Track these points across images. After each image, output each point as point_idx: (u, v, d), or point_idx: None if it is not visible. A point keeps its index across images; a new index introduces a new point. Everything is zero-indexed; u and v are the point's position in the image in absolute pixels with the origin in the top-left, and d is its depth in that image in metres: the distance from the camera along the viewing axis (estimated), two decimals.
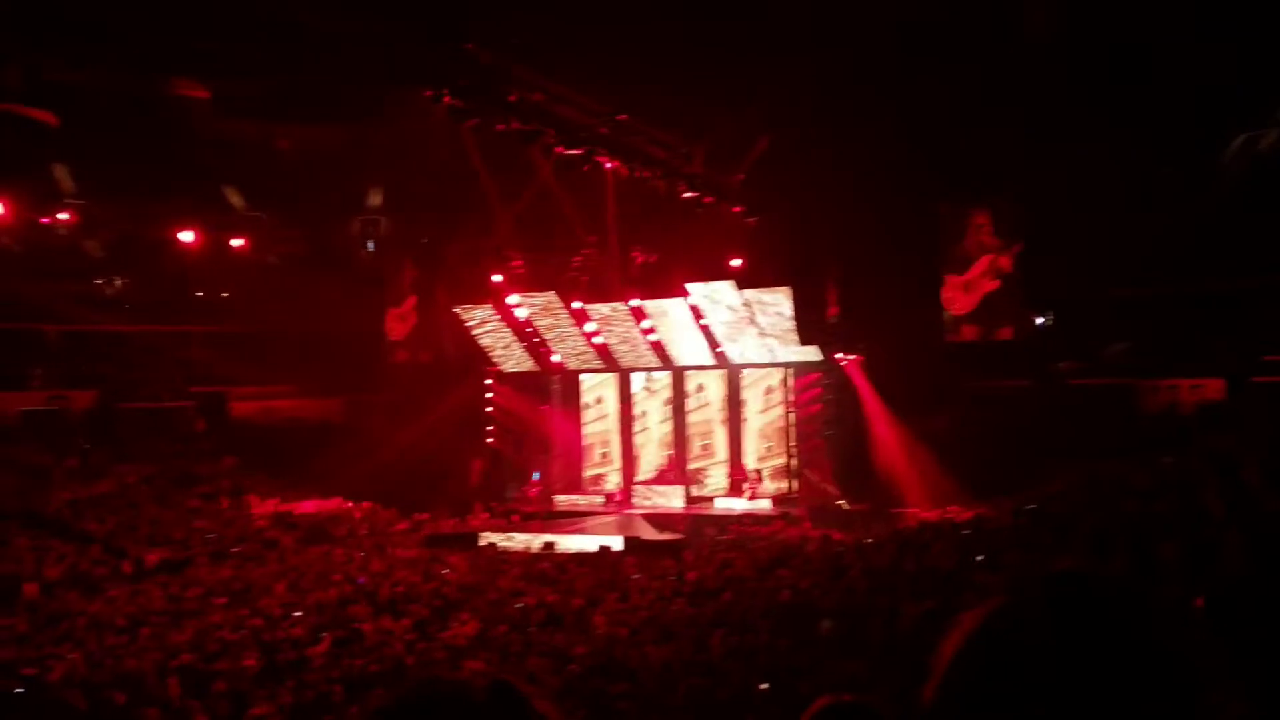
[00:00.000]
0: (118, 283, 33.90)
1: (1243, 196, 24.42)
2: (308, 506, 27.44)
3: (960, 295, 27.14)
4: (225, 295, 35.67)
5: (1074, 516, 15.19)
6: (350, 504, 27.99)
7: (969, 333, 27.15)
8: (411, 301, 33.03)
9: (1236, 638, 1.12)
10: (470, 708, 1.22)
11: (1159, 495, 15.01)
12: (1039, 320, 28.21)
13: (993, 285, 26.80)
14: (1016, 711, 1.00)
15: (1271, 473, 12.74)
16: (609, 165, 19.21)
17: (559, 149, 20.83)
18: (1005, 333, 26.89)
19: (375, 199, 35.24)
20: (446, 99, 18.26)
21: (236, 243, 30.24)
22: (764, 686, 10.68)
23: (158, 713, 11.07)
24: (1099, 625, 1.02)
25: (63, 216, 26.39)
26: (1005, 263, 26.62)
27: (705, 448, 30.56)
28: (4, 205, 27.45)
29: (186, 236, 31.16)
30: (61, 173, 30.51)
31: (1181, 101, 23.35)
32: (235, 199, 33.54)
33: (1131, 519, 13.45)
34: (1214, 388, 23.98)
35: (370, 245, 35.60)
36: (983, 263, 26.88)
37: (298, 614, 17.02)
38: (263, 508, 26.83)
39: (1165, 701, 1.01)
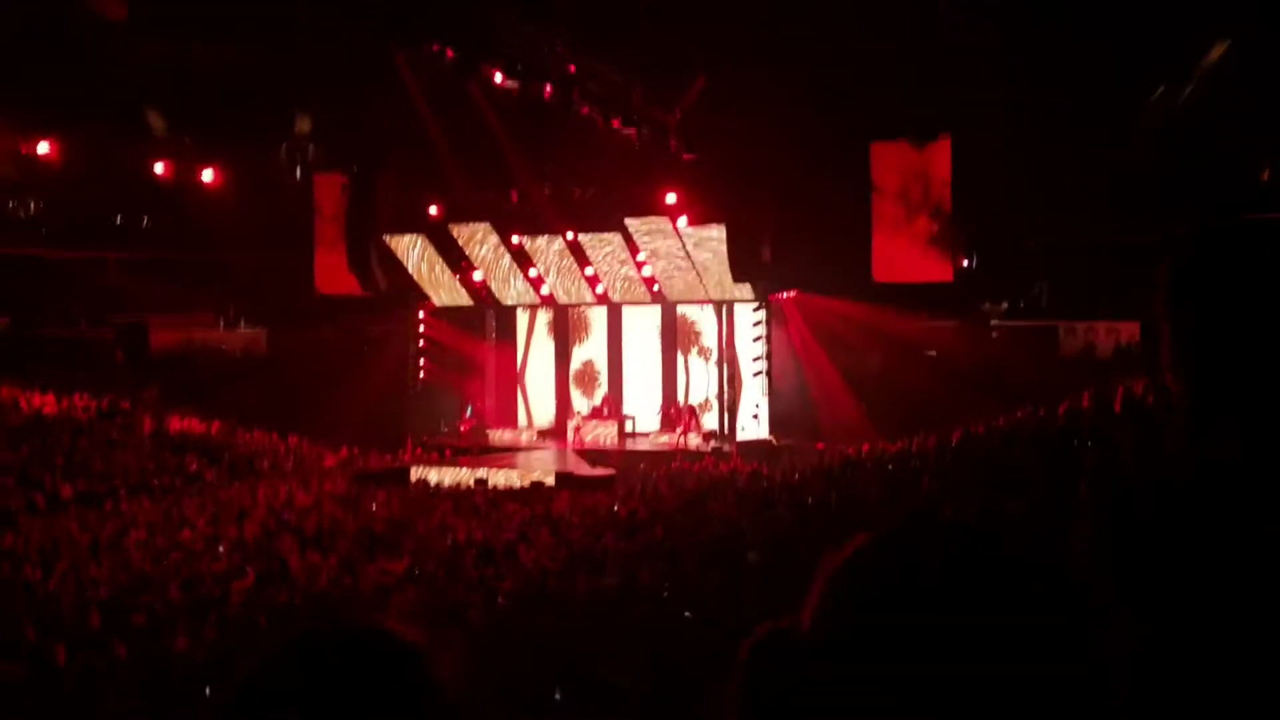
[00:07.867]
0: (32, 205, 32.67)
1: (1162, 147, 24.84)
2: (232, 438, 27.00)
3: (889, 242, 27.22)
4: (146, 221, 34.58)
5: (994, 453, 15.49)
6: (275, 437, 27.55)
7: (898, 277, 27.24)
8: (341, 234, 32.21)
9: (1134, 560, 1.16)
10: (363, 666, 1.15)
11: (1075, 435, 15.33)
12: (965, 262, 28.46)
13: (923, 232, 26.83)
14: (882, 641, 1.03)
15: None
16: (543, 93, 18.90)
17: (494, 78, 20.44)
18: (935, 276, 27.03)
19: (304, 125, 34.21)
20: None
21: (158, 167, 29.26)
22: (688, 615, 10.80)
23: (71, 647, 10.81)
24: (949, 564, 1.06)
25: None
26: (942, 201, 26.61)
27: (641, 383, 30.56)
28: None
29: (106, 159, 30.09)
30: None
31: (1108, 51, 23.53)
32: (156, 121, 32.37)
33: (1049, 457, 13.74)
34: (1129, 331, 24.63)
35: (299, 173, 34.62)
36: (915, 206, 26.91)
37: (221, 549, 16.78)
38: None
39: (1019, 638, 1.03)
